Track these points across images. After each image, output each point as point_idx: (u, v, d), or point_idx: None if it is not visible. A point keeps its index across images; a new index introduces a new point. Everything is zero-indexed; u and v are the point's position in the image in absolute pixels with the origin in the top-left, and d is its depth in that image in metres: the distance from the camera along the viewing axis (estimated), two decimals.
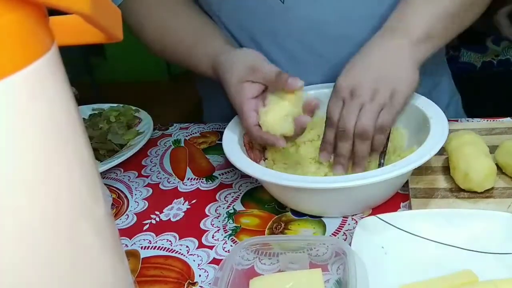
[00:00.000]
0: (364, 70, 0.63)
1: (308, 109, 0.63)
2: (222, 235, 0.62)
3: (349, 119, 0.62)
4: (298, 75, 0.64)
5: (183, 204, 0.69)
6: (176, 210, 0.68)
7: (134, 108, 0.92)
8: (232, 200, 0.68)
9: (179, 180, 0.75)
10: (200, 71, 0.75)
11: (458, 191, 0.61)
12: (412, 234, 0.54)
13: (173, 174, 0.77)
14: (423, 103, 0.68)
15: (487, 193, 0.60)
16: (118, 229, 0.62)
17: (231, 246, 0.60)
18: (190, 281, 0.56)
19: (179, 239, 0.62)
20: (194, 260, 0.59)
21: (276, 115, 0.62)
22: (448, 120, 0.63)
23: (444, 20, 0.66)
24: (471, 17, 0.71)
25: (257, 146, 0.70)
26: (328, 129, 0.65)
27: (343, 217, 0.62)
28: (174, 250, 0.61)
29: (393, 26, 0.66)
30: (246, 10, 0.77)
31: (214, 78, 0.71)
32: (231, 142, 0.65)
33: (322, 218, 0.62)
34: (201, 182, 0.74)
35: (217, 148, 0.81)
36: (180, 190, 0.73)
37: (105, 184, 0.75)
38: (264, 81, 0.64)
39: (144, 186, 0.75)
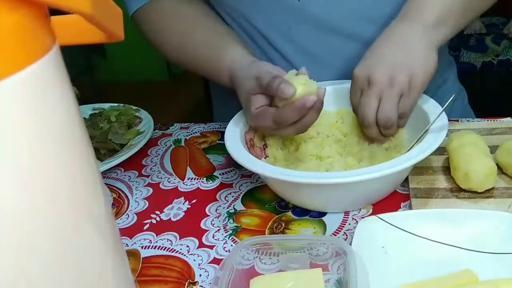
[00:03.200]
0: (379, 58, 0.64)
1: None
2: (222, 234, 0.62)
3: (368, 108, 0.63)
4: (313, 71, 0.64)
5: (183, 204, 0.69)
6: (176, 209, 0.68)
7: (134, 107, 0.92)
8: (233, 200, 0.68)
9: (180, 180, 0.75)
10: (220, 83, 0.75)
11: (459, 191, 0.61)
12: (412, 234, 0.54)
13: (174, 173, 0.77)
14: (422, 100, 0.68)
15: (487, 193, 0.60)
16: (119, 229, 0.62)
17: (231, 245, 0.60)
18: (191, 281, 0.56)
19: (180, 238, 0.62)
20: (194, 260, 0.59)
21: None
22: (449, 120, 0.64)
23: (460, 4, 0.66)
24: (487, 1, 0.71)
25: (258, 144, 0.71)
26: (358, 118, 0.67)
27: (344, 218, 0.62)
28: (175, 249, 0.61)
29: (407, 13, 0.66)
30: (260, 8, 0.77)
31: (234, 89, 0.72)
32: (234, 140, 0.65)
33: (322, 218, 0.62)
34: (202, 181, 0.74)
35: (218, 148, 0.81)
36: (181, 189, 0.73)
37: (106, 184, 0.75)
38: (261, 89, 0.64)
39: (145, 186, 0.75)
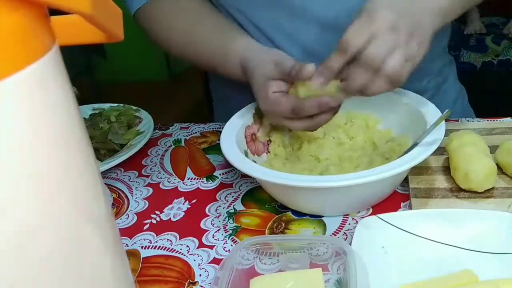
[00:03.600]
0: (403, 11, 0.60)
1: None
2: (222, 234, 0.62)
3: (382, 54, 0.57)
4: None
5: (183, 204, 0.69)
6: (176, 209, 0.68)
7: (134, 108, 0.92)
8: (233, 200, 0.68)
9: (180, 180, 0.75)
10: (229, 72, 0.75)
11: (459, 191, 0.61)
12: (412, 234, 0.54)
13: (174, 173, 0.77)
14: (419, 102, 0.68)
15: (487, 193, 0.60)
16: (119, 229, 0.62)
17: (231, 245, 0.60)
18: (191, 281, 0.56)
19: (180, 238, 0.62)
20: (194, 260, 0.59)
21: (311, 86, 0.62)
22: (449, 120, 0.63)
23: None
24: None
25: (262, 139, 0.71)
26: (338, 54, 0.60)
27: (343, 217, 0.62)
28: (175, 249, 0.61)
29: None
30: (262, 7, 0.76)
31: (243, 78, 0.72)
32: (229, 143, 0.65)
33: (322, 218, 0.62)
34: (202, 181, 0.74)
35: (218, 148, 0.81)
36: (181, 189, 0.73)
37: (106, 184, 0.75)
38: (283, 75, 0.64)
39: (145, 186, 0.75)
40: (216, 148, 0.82)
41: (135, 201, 0.71)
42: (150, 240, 0.63)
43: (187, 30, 0.78)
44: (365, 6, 0.61)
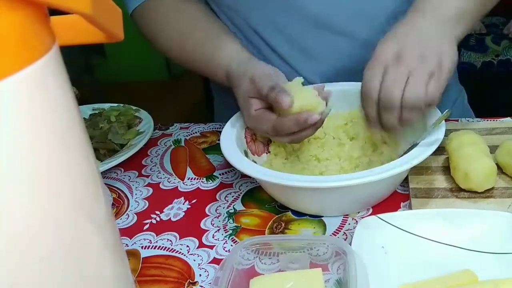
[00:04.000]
0: (408, 34, 0.60)
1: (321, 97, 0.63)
2: (222, 234, 0.62)
3: (395, 87, 0.57)
4: (310, 69, 0.63)
5: (183, 204, 0.69)
6: (176, 209, 0.68)
7: (134, 108, 0.92)
8: (233, 200, 0.68)
9: (180, 180, 0.75)
10: (217, 81, 0.76)
11: (458, 191, 0.61)
12: (412, 234, 0.54)
13: (174, 173, 0.77)
14: None
15: (487, 193, 0.60)
16: (119, 229, 0.62)
17: (231, 245, 0.60)
18: (191, 281, 0.56)
19: (180, 238, 0.62)
20: (194, 260, 0.59)
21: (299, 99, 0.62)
22: (449, 120, 0.63)
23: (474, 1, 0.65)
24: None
25: (261, 139, 0.71)
26: (368, 106, 0.61)
27: (343, 217, 0.62)
28: (175, 249, 0.61)
29: (420, 9, 0.63)
30: (256, 6, 0.76)
31: (228, 86, 0.72)
32: (229, 143, 0.65)
33: (322, 218, 0.62)
34: (202, 181, 0.74)
35: (218, 148, 0.81)
36: (181, 189, 0.73)
37: (106, 184, 0.75)
38: (259, 95, 0.64)
39: (145, 186, 0.75)
40: (216, 148, 0.82)
41: (135, 201, 0.71)
42: (150, 240, 0.63)
43: (180, 35, 0.78)
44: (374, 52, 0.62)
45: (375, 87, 0.59)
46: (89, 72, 3.12)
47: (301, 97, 0.62)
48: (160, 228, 0.65)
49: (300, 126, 0.62)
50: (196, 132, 0.88)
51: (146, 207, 0.70)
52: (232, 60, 0.71)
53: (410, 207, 0.61)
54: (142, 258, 0.60)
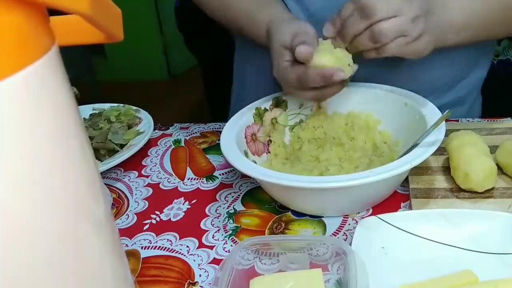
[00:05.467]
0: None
1: None
2: (222, 235, 0.62)
3: (392, 34, 0.61)
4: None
5: (183, 204, 0.69)
6: (176, 210, 0.68)
7: (134, 108, 0.92)
8: (233, 200, 0.68)
9: (180, 180, 0.75)
10: (255, 35, 0.77)
11: (459, 191, 0.61)
12: (412, 234, 0.54)
13: (173, 174, 0.77)
14: (420, 102, 0.68)
15: (487, 193, 0.60)
16: (118, 229, 0.62)
17: (231, 246, 0.60)
18: (191, 281, 0.56)
19: (179, 239, 0.62)
20: (194, 260, 0.59)
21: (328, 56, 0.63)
22: (449, 120, 0.63)
23: (482, 18, 0.69)
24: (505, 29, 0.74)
25: (262, 139, 0.71)
26: (361, 18, 0.62)
27: (343, 218, 0.62)
28: (175, 250, 0.61)
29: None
30: None
31: (266, 43, 0.73)
32: (229, 143, 0.65)
33: (322, 218, 0.62)
34: (202, 182, 0.74)
35: (218, 148, 0.81)
36: (180, 190, 0.73)
37: (106, 184, 0.75)
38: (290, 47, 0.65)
39: (144, 186, 0.75)
40: (216, 148, 0.82)
41: (135, 201, 0.71)
42: (150, 240, 0.63)
43: None
44: None
45: (383, 12, 0.61)
46: (89, 72, 3.12)
47: (333, 54, 0.63)
48: (160, 228, 0.65)
49: (325, 80, 0.63)
50: (196, 132, 0.88)
51: (146, 207, 0.70)
52: (274, 18, 0.72)
53: (410, 208, 0.61)
54: (142, 258, 0.60)
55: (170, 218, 0.67)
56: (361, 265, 0.49)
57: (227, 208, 0.67)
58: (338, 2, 0.69)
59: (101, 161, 0.78)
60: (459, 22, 0.68)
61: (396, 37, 0.62)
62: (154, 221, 0.66)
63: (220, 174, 0.75)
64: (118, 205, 0.71)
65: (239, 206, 0.67)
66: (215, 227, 0.64)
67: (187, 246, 0.61)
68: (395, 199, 0.64)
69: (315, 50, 0.64)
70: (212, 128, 0.89)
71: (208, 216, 0.66)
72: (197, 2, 0.86)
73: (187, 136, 0.87)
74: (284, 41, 0.67)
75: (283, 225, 0.62)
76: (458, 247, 0.53)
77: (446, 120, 0.62)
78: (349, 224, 0.61)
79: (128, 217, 0.68)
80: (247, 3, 0.78)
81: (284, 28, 0.69)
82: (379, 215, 0.55)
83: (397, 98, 0.72)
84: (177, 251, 0.60)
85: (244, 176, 0.72)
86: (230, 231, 0.62)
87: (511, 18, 0.72)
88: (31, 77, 0.24)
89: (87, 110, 0.94)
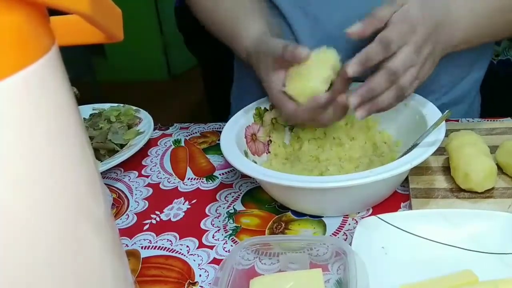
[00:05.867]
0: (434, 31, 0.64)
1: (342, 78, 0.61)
2: (222, 235, 0.62)
3: (403, 67, 0.60)
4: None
5: (183, 204, 0.69)
6: (176, 210, 0.68)
7: (134, 108, 0.92)
8: (233, 200, 0.68)
9: (180, 180, 0.75)
10: (239, 55, 0.77)
11: (459, 191, 0.61)
12: (412, 234, 0.54)
13: (173, 174, 0.77)
14: (419, 102, 0.68)
15: (487, 193, 0.60)
16: (118, 229, 0.62)
17: (231, 246, 0.60)
18: (191, 281, 0.56)
19: (180, 239, 0.62)
20: (194, 260, 0.59)
21: (302, 79, 0.62)
22: (449, 120, 0.63)
23: (484, 28, 0.70)
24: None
25: (262, 139, 0.71)
26: (380, 48, 0.60)
27: (343, 218, 0.62)
28: (175, 250, 0.61)
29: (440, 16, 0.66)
30: None
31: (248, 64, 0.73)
32: (229, 143, 0.65)
33: (322, 218, 0.62)
34: (202, 182, 0.74)
35: (218, 148, 0.81)
36: (181, 190, 0.73)
37: (106, 184, 0.75)
38: (277, 60, 0.64)
39: (145, 186, 0.75)
40: (216, 148, 0.82)
41: (135, 201, 0.71)
42: (150, 240, 0.63)
43: (211, 8, 0.80)
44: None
45: (400, 45, 0.60)
46: (89, 72, 3.12)
47: (302, 80, 0.62)
48: (160, 228, 0.65)
49: (313, 113, 0.62)
50: (196, 132, 0.88)
51: (146, 207, 0.70)
52: (251, 45, 0.71)
53: (410, 208, 0.61)
54: (142, 258, 0.60)
55: (170, 218, 0.67)
56: (361, 265, 0.49)
57: (227, 208, 0.67)
58: (355, 17, 0.69)
59: (101, 161, 0.78)
60: (465, 37, 0.69)
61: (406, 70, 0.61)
62: (154, 221, 0.66)
63: (220, 174, 0.75)
64: (118, 205, 0.71)
65: (239, 206, 0.67)
66: (215, 227, 0.64)
67: (187, 246, 0.61)
68: (395, 199, 0.64)
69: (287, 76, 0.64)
70: (212, 128, 0.89)
71: (208, 216, 0.66)
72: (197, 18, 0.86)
73: (187, 136, 0.87)
74: (267, 65, 0.66)
75: (283, 225, 0.62)
76: (458, 247, 0.53)
77: (446, 120, 0.62)
78: (349, 224, 0.61)
79: (128, 217, 0.68)
80: (229, 23, 0.77)
81: (256, 54, 0.68)
82: (379, 215, 0.56)
83: None
84: (177, 251, 0.60)
85: (244, 176, 0.72)
86: (230, 231, 0.62)
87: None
88: (31, 77, 0.24)
89: (87, 110, 0.94)
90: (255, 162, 0.68)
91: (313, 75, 0.61)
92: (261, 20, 0.75)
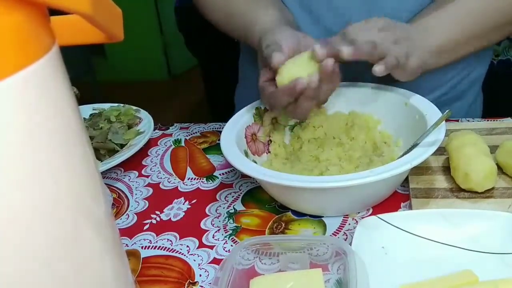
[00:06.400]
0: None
1: (324, 73, 0.62)
2: (222, 235, 0.62)
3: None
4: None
5: (183, 204, 0.69)
6: (176, 210, 0.68)
7: (134, 108, 0.92)
8: (233, 200, 0.68)
9: (180, 180, 0.75)
10: (252, 46, 0.77)
11: (459, 191, 0.61)
12: (412, 234, 0.54)
13: (174, 174, 0.77)
14: (420, 102, 0.68)
15: (487, 193, 0.60)
16: (119, 229, 0.62)
17: (231, 246, 0.60)
18: (191, 281, 0.56)
19: (180, 239, 0.62)
20: (194, 260, 0.59)
21: (289, 65, 0.63)
22: (449, 120, 0.63)
23: (465, 36, 0.70)
24: (493, 38, 0.75)
25: (262, 139, 0.71)
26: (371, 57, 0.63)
27: (344, 217, 0.62)
28: (175, 250, 0.61)
29: (422, 25, 0.70)
30: None
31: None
32: (229, 143, 0.65)
33: (322, 218, 0.62)
34: (202, 182, 0.74)
35: (218, 148, 0.81)
36: (181, 190, 0.73)
37: (106, 184, 0.75)
38: (263, 59, 0.66)
39: (145, 186, 0.75)
40: (216, 148, 0.82)
41: (135, 201, 0.71)
42: (150, 240, 0.63)
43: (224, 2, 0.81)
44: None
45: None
46: (89, 72, 3.12)
47: (291, 67, 0.62)
48: (160, 228, 0.65)
49: (290, 94, 0.62)
50: (196, 132, 0.88)
51: (146, 207, 0.70)
52: (263, 31, 0.71)
53: (410, 207, 0.61)
54: (142, 258, 0.60)
55: (170, 218, 0.67)
56: (361, 265, 0.49)
57: (227, 208, 0.67)
58: (356, 16, 0.70)
59: (101, 161, 0.78)
60: (441, 45, 0.70)
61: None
62: (154, 221, 0.66)
63: (220, 174, 0.75)
64: (118, 205, 0.71)
65: (239, 206, 0.67)
66: (215, 227, 0.64)
67: (187, 246, 0.61)
68: (395, 199, 0.64)
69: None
70: (212, 128, 0.89)
71: (208, 216, 0.66)
72: (202, 13, 0.86)
73: (187, 136, 0.87)
74: (260, 59, 0.67)
75: (283, 225, 0.62)
76: (458, 247, 0.53)
77: (446, 120, 0.62)
78: (349, 224, 0.61)
79: (128, 217, 0.68)
80: (244, 16, 0.77)
81: (261, 44, 0.68)
82: (379, 215, 0.56)
83: (397, 98, 0.72)
84: (177, 251, 0.60)
85: (244, 176, 0.72)
86: (230, 231, 0.62)
87: (503, 23, 0.73)
88: (31, 77, 0.24)
89: (87, 110, 0.94)
90: (255, 162, 0.68)
91: (298, 65, 0.62)
92: (274, 8, 0.76)
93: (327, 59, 0.61)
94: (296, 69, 0.62)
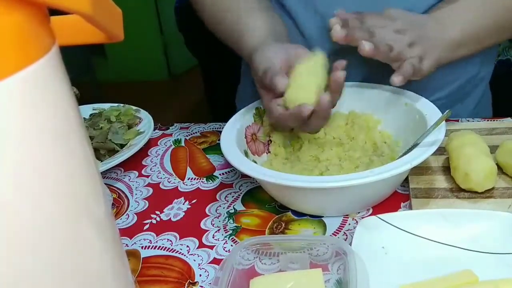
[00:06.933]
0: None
1: (334, 87, 0.62)
2: (222, 235, 0.62)
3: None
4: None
5: (183, 204, 0.69)
6: (176, 210, 0.68)
7: (134, 108, 0.92)
8: (233, 200, 0.68)
9: (180, 180, 0.75)
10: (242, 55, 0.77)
11: (459, 191, 0.61)
12: (412, 234, 0.54)
13: (174, 173, 0.77)
14: (420, 102, 0.68)
15: (487, 193, 0.60)
16: (119, 229, 0.62)
17: (231, 246, 0.60)
18: (191, 281, 0.56)
19: (180, 239, 0.62)
20: (194, 260, 0.59)
21: (294, 87, 0.62)
22: (449, 120, 0.63)
23: (481, 31, 0.71)
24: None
25: (262, 139, 0.71)
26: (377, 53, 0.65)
27: (344, 217, 0.62)
28: (175, 250, 0.61)
29: (439, 18, 0.71)
30: None
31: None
32: (229, 143, 0.65)
33: (322, 218, 0.62)
34: (202, 182, 0.74)
35: (218, 148, 0.81)
36: (181, 190, 0.73)
37: (106, 184, 0.75)
38: (259, 81, 0.66)
39: (145, 186, 0.75)
40: (216, 148, 0.82)
41: (135, 201, 0.71)
42: (150, 240, 0.63)
43: (218, 4, 0.80)
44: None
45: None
46: (89, 72, 3.12)
47: (294, 88, 0.62)
48: (160, 228, 0.65)
49: (297, 120, 0.62)
50: (196, 132, 0.88)
51: (146, 207, 0.70)
52: (252, 50, 0.71)
53: (410, 207, 0.61)
54: (142, 258, 0.60)
55: (170, 218, 0.67)
56: (361, 265, 0.49)
57: (227, 208, 0.67)
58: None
59: (101, 161, 0.78)
60: (456, 39, 0.70)
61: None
62: (154, 221, 0.66)
63: (220, 174, 0.75)
64: (118, 205, 0.71)
65: (239, 206, 0.67)
66: (215, 227, 0.64)
67: (187, 246, 0.61)
68: (395, 199, 0.64)
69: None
70: (212, 128, 0.89)
71: (208, 216, 0.66)
72: (196, 7, 0.86)
73: (187, 136, 0.87)
74: (256, 81, 0.67)
75: (283, 225, 0.62)
76: (458, 247, 0.53)
77: (446, 120, 0.62)
78: (349, 224, 0.61)
79: (128, 217, 0.68)
80: (230, 30, 0.77)
81: (252, 66, 0.68)
82: (379, 215, 0.56)
83: (397, 98, 0.72)
84: (177, 251, 0.60)
85: (244, 176, 0.72)
86: (230, 231, 0.62)
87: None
88: (31, 77, 0.24)
89: (87, 110, 0.94)
90: (255, 162, 0.68)
91: (304, 85, 0.62)
92: (262, 19, 0.74)
93: (334, 72, 0.61)
94: (302, 93, 0.61)
